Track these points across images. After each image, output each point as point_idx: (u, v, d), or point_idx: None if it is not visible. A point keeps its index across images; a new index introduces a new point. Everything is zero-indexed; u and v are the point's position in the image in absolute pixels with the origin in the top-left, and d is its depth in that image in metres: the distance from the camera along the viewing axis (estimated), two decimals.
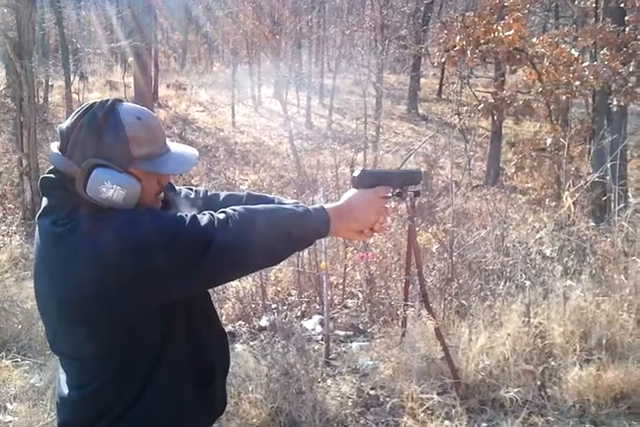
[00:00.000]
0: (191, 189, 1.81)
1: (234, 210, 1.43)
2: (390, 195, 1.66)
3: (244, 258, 1.43)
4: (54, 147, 1.45)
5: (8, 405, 3.60)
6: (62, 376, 1.57)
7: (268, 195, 1.83)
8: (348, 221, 1.56)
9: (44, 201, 1.46)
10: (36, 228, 1.49)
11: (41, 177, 1.46)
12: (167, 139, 1.56)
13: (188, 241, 1.37)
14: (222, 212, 1.43)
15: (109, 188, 1.37)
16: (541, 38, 8.55)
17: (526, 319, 3.82)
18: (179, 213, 1.43)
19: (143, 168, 1.45)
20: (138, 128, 1.44)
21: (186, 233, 1.38)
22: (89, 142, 1.40)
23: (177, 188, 1.78)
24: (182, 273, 1.37)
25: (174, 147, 1.55)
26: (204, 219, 1.40)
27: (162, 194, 1.56)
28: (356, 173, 1.62)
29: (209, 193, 1.82)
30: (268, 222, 1.44)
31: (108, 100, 1.45)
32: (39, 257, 1.47)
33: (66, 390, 1.54)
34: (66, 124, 1.44)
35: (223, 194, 1.82)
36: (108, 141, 1.40)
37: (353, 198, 1.58)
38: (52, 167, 1.46)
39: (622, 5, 7.77)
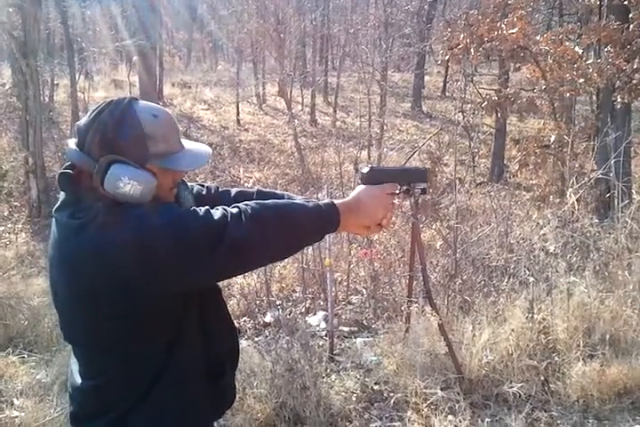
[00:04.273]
0: (202, 186, 1.85)
1: (246, 205, 1.46)
2: (398, 192, 1.69)
3: (255, 252, 1.46)
4: (72, 143, 1.48)
5: (15, 400, 3.62)
6: (74, 367, 1.60)
7: (277, 191, 1.86)
8: (356, 216, 1.59)
9: (62, 195, 1.50)
10: (53, 221, 1.52)
11: (59, 172, 1.49)
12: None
13: (200, 234, 1.39)
14: (235, 206, 1.45)
15: (127, 183, 1.40)
16: (545, 36, 8.51)
17: (530, 315, 3.83)
18: (192, 207, 1.45)
19: (159, 164, 1.48)
20: (154, 126, 1.47)
21: (199, 226, 1.40)
22: (106, 139, 1.42)
23: (189, 184, 1.81)
24: (194, 266, 1.40)
25: (188, 144, 1.58)
26: (217, 213, 1.42)
27: (175, 189, 1.59)
28: (365, 170, 1.65)
29: (220, 189, 1.86)
30: (279, 217, 1.47)
31: (125, 98, 1.48)
32: (56, 248, 1.50)
33: (78, 380, 1.57)
34: (83, 121, 1.47)
35: (234, 190, 1.85)
36: (126, 138, 1.43)
37: (361, 194, 1.61)
38: (68, 163, 1.49)
39: (626, 3, 7.74)
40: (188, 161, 1.54)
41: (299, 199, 1.64)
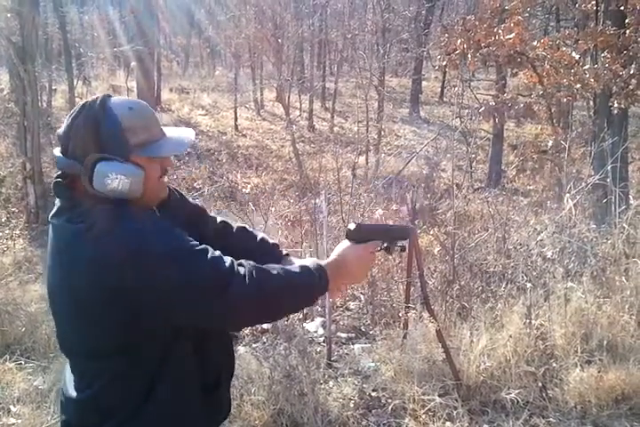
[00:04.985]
0: (205, 215, 1.84)
1: (252, 266, 1.48)
2: (379, 249, 1.73)
3: (251, 312, 1.50)
4: (57, 151, 1.51)
5: (12, 407, 3.62)
6: (68, 376, 1.60)
7: (280, 248, 1.87)
8: (342, 278, 1.66)
9: (57, 202, 1.52)
10: (50, 227, 1.53)
11: (53, 181, 1.51)
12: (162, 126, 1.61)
13: (208, 278, 1.42)
14: (241, 264, 1.47)
15: (114, 179, 1.42)
16: (542, 41, 8.56)
17: (527, 321, 3.82)
18: (203, 246, 1.46)
19: (143, 154, 1.50)
20: (131, 118, 1.48)
21: (208, 269, 1.43)
22: (87, 139, 1.44)
23: (191, 201, 1.81)
24: (189, 308, 1.43)
25: (170, 131, 1.60)
26: (226, 263, 1.45)
27: (165, 178, 1.60)
28: (352, 227, 1.69)
29: (218, 219, 1.85)
30: (279, 285, 1.50)
31: (97, 97, 1.50)
32: (53, 254, 1.51)
33: (72, 391, 1.56)
34: (63, 127, 1.49)
35: (235, 226, 1.86)
36: (105, 135, 1.45)
37: (348, 257, 1.65)
38: (60, 172, 1.52)
39: (622, 8, 7.78)
40: (170, 147, 1.56)
41: (297, 266, 1.60)
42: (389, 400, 3.50)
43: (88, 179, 1.42)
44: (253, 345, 4.34)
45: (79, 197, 1.47)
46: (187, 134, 1.63)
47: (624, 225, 4.71)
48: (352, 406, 3.48)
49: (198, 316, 1.45)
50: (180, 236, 1.47)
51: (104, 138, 1.44)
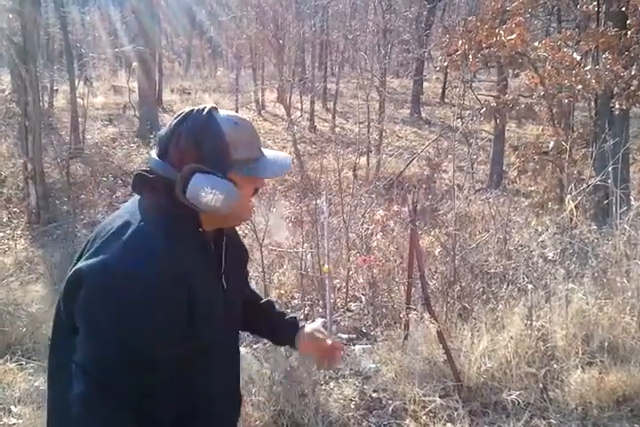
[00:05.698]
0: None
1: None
2: None
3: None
4: (153, 153, 1.48)
5: (12, 408, 3.62)
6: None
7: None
8: None
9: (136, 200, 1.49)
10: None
11: (137, 172, 1.47)
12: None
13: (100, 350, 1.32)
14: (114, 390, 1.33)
15: (209, 193, 1.39)
16: (543, 42, 8.55)
17: (528, 322, 3.82)
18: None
19: (242, 173, 1.47)
20: (236, 133, 1.45)
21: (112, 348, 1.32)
22: (188, 148, 1.42)
23: None
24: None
25: (267, 152, 1.56)
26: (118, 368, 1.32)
27: (253, 201, 1.58)
28: None
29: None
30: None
31: (205, 106, 1.47)
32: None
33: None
34: (164, 131, 1.47)
35: (263, 298, 1.96)
36: (209, 147, 1.42)
37: None
38: (148, 168, 1.48)
39: (624, 9, 7.78)
40: (270, 168, 1.52)
41: None
42: (390, 401, 3.50)
43: (182, 188, 1.39)
44: (254, 346, 4.34)
45: (154, 198, 1.44)
46: (284, 157, 1.59)
47: (625, 226, 4.70)
48: (353, 407, 3.49)
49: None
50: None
51: (207, 150, 1.42)
